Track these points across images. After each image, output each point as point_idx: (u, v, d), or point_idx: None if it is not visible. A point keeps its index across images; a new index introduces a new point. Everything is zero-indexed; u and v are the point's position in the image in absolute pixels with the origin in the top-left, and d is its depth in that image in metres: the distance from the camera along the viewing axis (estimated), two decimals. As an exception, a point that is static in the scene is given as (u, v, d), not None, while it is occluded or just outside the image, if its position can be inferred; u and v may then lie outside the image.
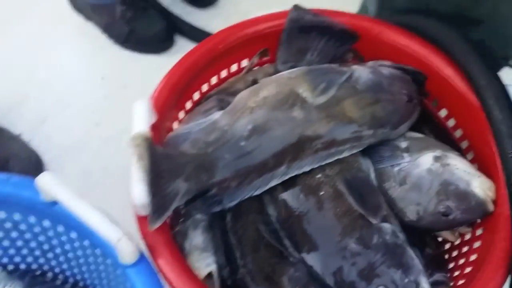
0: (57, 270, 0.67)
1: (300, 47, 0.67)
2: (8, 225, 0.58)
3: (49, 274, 0.68)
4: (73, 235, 0.54)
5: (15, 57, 1.05)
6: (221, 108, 0.63)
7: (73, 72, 1.03)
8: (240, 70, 0.70)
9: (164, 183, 0.50)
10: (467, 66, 0.60)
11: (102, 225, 0.45)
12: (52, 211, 0.51)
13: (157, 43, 1.03)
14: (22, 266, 0.68)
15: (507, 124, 0.55)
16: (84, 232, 0.51)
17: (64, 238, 0.57)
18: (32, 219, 0.56)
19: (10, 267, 0.67)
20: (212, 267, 0.54)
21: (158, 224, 0.48)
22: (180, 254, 0.51)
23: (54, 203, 0.49)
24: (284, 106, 0.58)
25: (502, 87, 0.57)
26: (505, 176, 0.55)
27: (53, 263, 0.66)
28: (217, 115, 0.60)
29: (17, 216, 0.57)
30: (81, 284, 0.67)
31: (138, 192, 0.47)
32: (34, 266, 0.68)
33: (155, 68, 1.01)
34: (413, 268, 0.54)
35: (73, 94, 0.99)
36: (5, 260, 0.65)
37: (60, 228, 0.54)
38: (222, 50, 0.63)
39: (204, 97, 0.68)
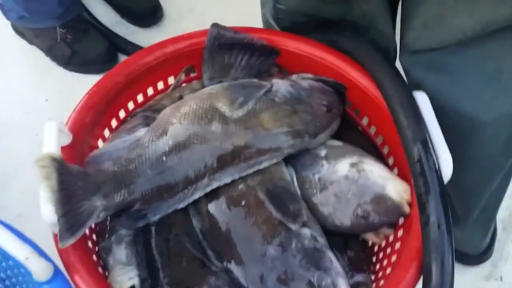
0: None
1: (224, 63, 0.70)
2: None
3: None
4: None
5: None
6: (147, 125, 0.64)
7: (17, 94, 1.03)
8: (167, 87, 0.72)
9: (77, 202, 0.51)
10: (376, 76, 0.63)
11: (9, 244, 0.46)
12: None
13: (100, 64, 1.05)
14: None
15: (412, 130, 0.58)
16: (5, 253, 0.52)
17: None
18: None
19: None
20: (134, 281, 0.55)
21: (70, 242, 0.49)
22: (97, 270, 0.52)
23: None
24: (203, 120, 0.60)
25: (408, 95, 0.60)
26: (412, 179, 0.57)
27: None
28: (141, 132, 0.62)
29: None
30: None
31: (46, 211, 0.48)
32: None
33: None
34: (331, 271, 0.56)
35: (16, 117, 1.00)
36: None
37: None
38: (143, 69, 0.65)
39: (131, 114, 0.69)
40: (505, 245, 0.96)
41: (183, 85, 0.73)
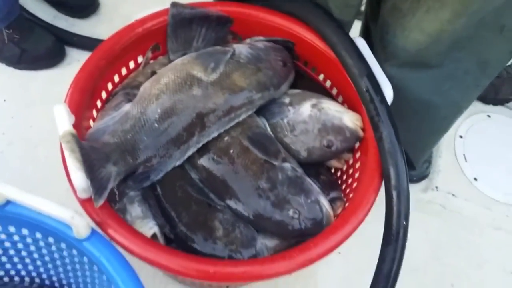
0: (12, 272, 0.73)
1: (186, 36, 0.78)
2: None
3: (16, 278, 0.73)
4: (24, 231, 0.60)
5: None
6: (129, 101, 0.72)
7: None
8: (137, 65, 0.79)
9: (97, 169, 0.59)
10: (320, 29, 0.75)
11: (55, 208, 0.53)
12: (3, 213, 0.57)
13: (50, 58, 1.08)
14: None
15: (357, 67, 0.71)
16: (35, 225, 0.58)
17: (15, 237, 0.62)
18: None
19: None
20: (155, 229, 0.64)
21: (101, 202, 0.57)
22: (125, 222, 0.60)
23: (4, 205, 0.56)
24: (184, 87, 0.69)
25: (350, 40, 0.73)
26: (364, 107, 0.71)
27: (8, 266, 0.71)
28: (127, 107, 0.69)
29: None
30: (47, 282, 0.73)
31: (78, 179, 0.55)
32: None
33: (53, 81, 1.07)
34: (313, 192, 0.69)
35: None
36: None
37: (11, 229, 0.61)
38: (119, 51, 0.71)
39: (111, 94, 0.76)
40: (436, 161, 1.14)
41: (151, 62, 0.80)
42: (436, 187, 1.12)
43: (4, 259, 0.68)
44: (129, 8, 1.20)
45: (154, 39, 0.78)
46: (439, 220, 1.06)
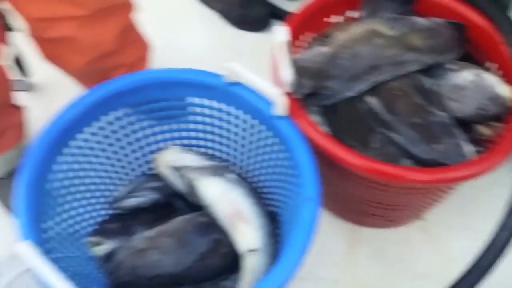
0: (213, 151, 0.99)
1: (375, 8, 0.99)
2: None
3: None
4: (239, 112, 0.85)
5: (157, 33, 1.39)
6: (324, 44, 0.94)
7: (202, 44, 1.40)
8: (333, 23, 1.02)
9: (297, 76, 0.82)
10: (494, 17, 0.89)
11: (270, 88, 0.76)
12: (230, 92, 0.81)
13: (261, 24, 1.38)
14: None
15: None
16: (250, 108, 0.82)
17: (231, 117, 0.88)
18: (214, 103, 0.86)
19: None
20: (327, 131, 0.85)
21: (298, 96, 0.80)
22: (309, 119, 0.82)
23: (233, 84, 0.81)
24: (367, 38, 0.89)
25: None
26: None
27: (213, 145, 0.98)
28: (322, 48, 0.92)
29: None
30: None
31: (287, 73, 0.78)
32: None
33: (260, 42, 1.36)
34: (459, 137, 0.83)
35: (203, 59, 1.34)
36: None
37: (232, 109, 0.86)
38: (322, 7, 0.97)
39: (312, 38, 1.00)
40: None
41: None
42: None
43: (217, 139, 0.95)
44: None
45: (351, 6, 1.00)
46: None
